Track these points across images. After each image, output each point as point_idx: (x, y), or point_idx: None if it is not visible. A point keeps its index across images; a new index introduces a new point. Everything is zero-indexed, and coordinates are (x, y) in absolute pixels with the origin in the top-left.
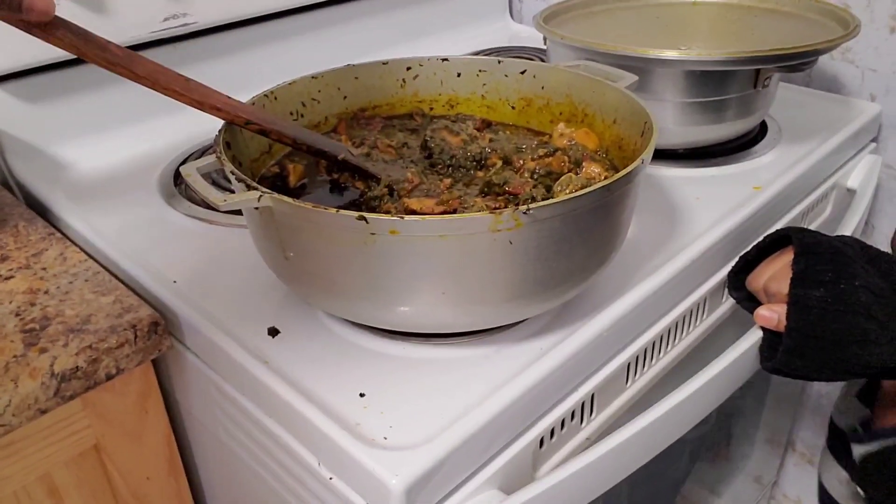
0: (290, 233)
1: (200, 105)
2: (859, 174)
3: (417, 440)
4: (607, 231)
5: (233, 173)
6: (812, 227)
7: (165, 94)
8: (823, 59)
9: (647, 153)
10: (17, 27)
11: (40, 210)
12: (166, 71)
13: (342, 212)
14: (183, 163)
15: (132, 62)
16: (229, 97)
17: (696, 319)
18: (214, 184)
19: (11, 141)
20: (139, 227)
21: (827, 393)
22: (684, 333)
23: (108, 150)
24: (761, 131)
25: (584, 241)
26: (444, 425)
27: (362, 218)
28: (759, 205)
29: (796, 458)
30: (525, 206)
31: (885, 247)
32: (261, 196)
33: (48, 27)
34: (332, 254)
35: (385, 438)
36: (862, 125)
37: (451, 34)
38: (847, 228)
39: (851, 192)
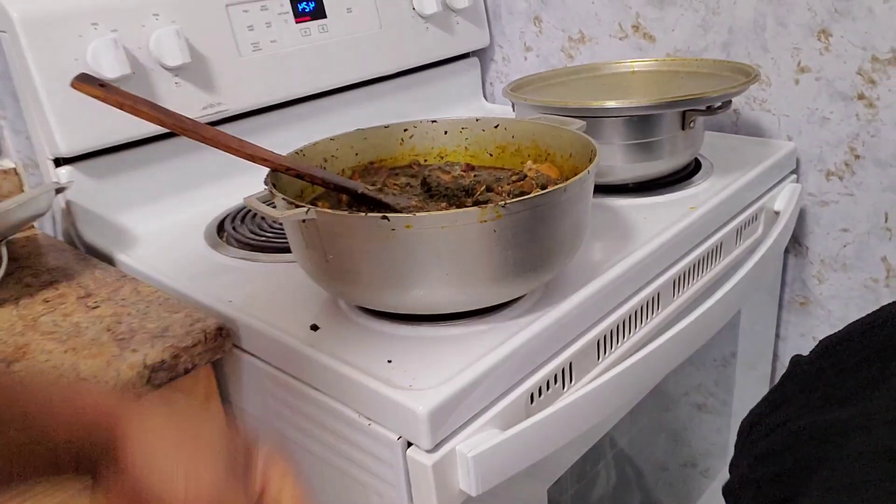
0: (330, 238)
1: (252, 158)
2: (783, 199)
3: (434, 384)
4: (569, 225)
5: (284, 198)
6: (745, 243)
7: (225, 151)
8: (746, 110)
9: (593, 165)
10: (109, 104)
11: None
12: (225, 134)
13: (370, 214)
14: (224, 219)
15: (199, 128)
16: (273, 151)
17: (652, 311)
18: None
19: (81, 210)
20: (192, 265)
21: None
22: (642, 322)
23: (159, 216)
24: (696, 168)
25: (551, 232)
26: (453, 374)
27: (385, 217)
28: (695, 218)
29: None
30: (503, 201)
31: (814, 266)
32: (308, 209)
33: (137, 104)
34: (363, 250)
35: (410, 385)
36: (780, 158)
37: (435, 114)
38: (771, 241)
39: (777, 214)
